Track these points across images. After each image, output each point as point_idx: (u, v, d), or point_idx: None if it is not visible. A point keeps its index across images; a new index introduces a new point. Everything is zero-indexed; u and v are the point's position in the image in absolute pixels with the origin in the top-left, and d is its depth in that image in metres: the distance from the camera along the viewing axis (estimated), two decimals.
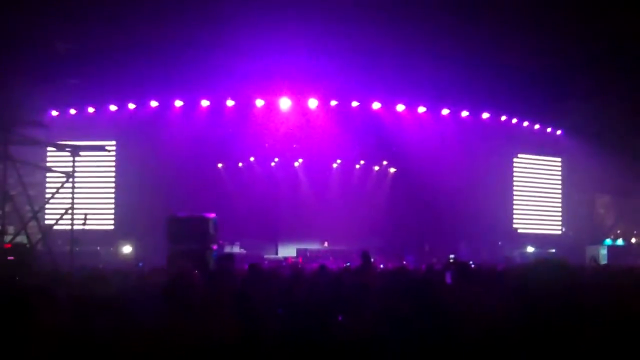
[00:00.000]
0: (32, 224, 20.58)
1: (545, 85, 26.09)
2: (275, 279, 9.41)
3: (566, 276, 3.34)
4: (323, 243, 29.57)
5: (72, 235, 21.32)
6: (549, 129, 32.39)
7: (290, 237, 29.51)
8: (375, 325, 5.19)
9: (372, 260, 14.58)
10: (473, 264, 13.37)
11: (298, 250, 28.02)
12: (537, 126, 31.86)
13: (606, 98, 26.01)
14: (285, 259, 25.29)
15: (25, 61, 21.33)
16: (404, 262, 22.62)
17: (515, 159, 32.27)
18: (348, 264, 19.86)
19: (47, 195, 23.79)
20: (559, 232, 33.31)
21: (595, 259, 23.49)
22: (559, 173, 33.40)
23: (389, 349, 4.75)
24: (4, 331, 4.37)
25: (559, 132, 32.52)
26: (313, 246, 29.01)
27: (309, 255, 27.18)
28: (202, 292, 5.62)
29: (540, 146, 32.42)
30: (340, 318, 6.00)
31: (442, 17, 21.99)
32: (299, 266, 17.01)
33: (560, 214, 33.54)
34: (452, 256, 22.91)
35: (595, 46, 23.42)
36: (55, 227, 21.79)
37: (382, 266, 18.78)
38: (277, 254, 29.06)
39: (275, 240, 29.86)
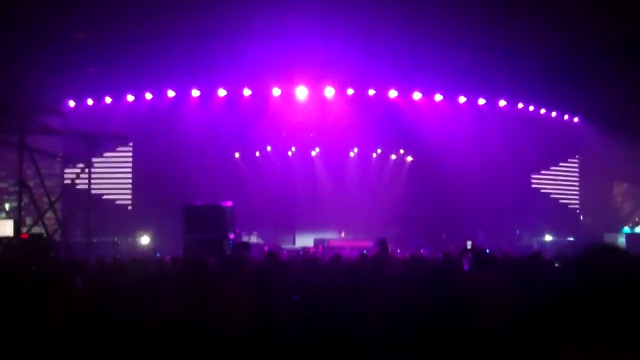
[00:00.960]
0: (49, 214, 20.73)
1: (562, 72, 25.88)
2: (292, 266, 9.42)
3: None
4: (340, 233, 29.56)
5: (89, 226, 21.45)
6: (566, 117, 32.20)
7: (308, 226, 29.54)
8: (391, 313, 5.17)
9: (389, 248, 14.58)
10: (489, 251, 13.29)
11: (316, 240, 28.01)
12: (554, 114, 31.67)
13: (624, 85, 25.79)
14: (304, 249, 25.21)
15: (42, 50, 21.40)
16: (422, 251, 22.58)
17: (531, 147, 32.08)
18: (365, 251, 19.86)
19: (65, 185, 23.96)
20: (578, 220, 33.13)
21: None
22: (577, 160, 33.20)
23: (405, 336, 4.73)
24: (20, 320, 4.38)
25: (576, 119, 32.33)
26: (331, 235, 29.00)
27: (327, 245, 27.13)
28: (217, 278, 5.62)
29: (557, 134, 32.19)
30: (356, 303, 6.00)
31: (458, 4, 21.85)
32: (317, 255, 17.05)
33: (578, 201, 33.36)
34: (469, 243, 22.79)
35: (614, 33, 23.21)
36: (73, 217, 21.93)
37: (399, 254, 18.75)
38: (294, 243, 29.08)
39: (292, 229, 29.90)
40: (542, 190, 32.64)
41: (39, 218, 20.08)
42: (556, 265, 9.31)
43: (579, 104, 29.94)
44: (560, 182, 33.03)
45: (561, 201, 32.98)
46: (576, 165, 33.23)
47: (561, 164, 33.05)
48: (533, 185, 32.40)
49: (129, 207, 28.99)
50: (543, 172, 32.65)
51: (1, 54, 20.67)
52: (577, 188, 33.21)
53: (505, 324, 4.92)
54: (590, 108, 29.48)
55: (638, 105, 27.17)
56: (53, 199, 21.23)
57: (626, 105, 27.26)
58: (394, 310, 5.24)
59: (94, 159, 22.50)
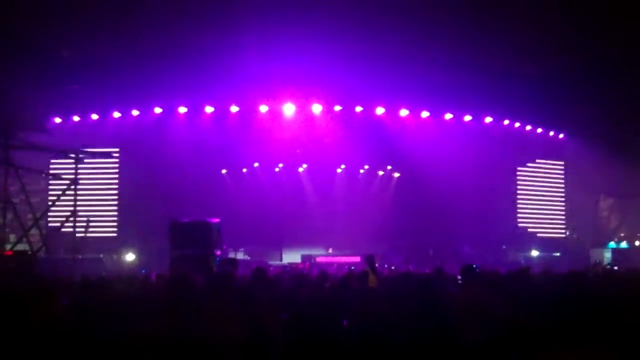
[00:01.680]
0: (34, 231, 20.59)
1: (547, 89, 26.08)
2: (279, 283, 9.36)
3: None
4: (328, 249, 29.48)
5: (75, 243, 21.31)
6: (551, 133, 32.35)
7: (295, 243, 29.41)
8: (379, 329, 5.13)
9: (376, 265, 14.54)
10: (477, 267, 13.28)
11: (303, 257, 27.91)
12: (539, 130, 31.80)
13: (608, 101, 25.96)
14: (291, 265, 25.10)
15: (27, 67, 21.32)
16: (409, 267, 22.54)
17: (520, 168, 32.21)
18: (352, 267, 19.79)
19: (50, 202, 23.82)
20: (563, 235, 33.21)
21: (600, 263, 23.40)
22: (562, 176, 33.31)
23: (393, 352, 4.69)
24: (5, 336, 4.33)
25: (561, 135, 32.48)
26: (318, 252, 28.90)
27: (314, 262, 27.03)
28: (203, 295, 5.58)
29: (543, 150, 32.36)
30: (345, 322, 5.96)
31: (444, 22, 21.98)
32: (304, 272, 16.97)
33: (564, 216, 33.44)
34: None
35: (597, 49, 23.39)
36: (58, 234, 21.78)
37: (387, 272, 18.70)
38: (281, 260, 28.97)
39: (279, 246, 29.76)
40: (528, 205, 32.67)
41: (23, 235, 19.94)
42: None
43: (564, 120, 30.09)
44: (546, 195, 33.07)
45: (547, 216, 33.02)
46: (562, 181, 33.30)
47: (547, 179, 33.10)
48: (519, 199, 32.40)
49: (115, 224, 28.81)
50: (529, 186, 32.67)
51: None
52: (563, 202, 33.27)
53: (494, 336, 4.90)
54: (576, 124, 29.64)
55: (622, 121, 27.37)
56: (38, 215, 21.08)
57: (611, 121, 27.44)
58: (383, 326, 5.20)
59: (79, 176, 22.34)
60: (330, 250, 29.36)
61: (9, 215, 20.49)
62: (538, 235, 31.95)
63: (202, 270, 12.60)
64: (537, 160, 32.60)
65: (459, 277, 9.12)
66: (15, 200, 20.46)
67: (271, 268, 21.19)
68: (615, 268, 20.99)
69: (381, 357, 4.74)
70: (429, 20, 21.72)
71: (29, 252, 19.24)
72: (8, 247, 19.62)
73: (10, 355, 4.37)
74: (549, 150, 32.64)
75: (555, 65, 24.92)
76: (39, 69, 22.07)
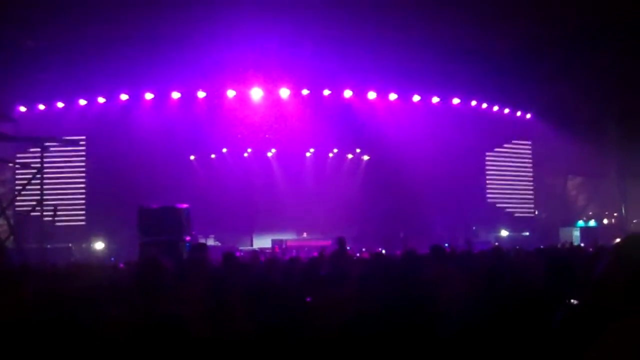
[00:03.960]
0: (1, 221, 20.36)
1: (513, 69, 26.19)
2: (249, 268, 9.34)
3: None
4: (302, 234, 29.49)
5: (42, 231, 21.10)
6: (518, 113, 32.57)
7: (266, 228, 29.38)
8: (350, 309, 5.12)
9: (347, 247, 14.57)
10: (449, 246, 13.38)
11: (273, 241, 27.89)
12: (506, 110, 31.99)
13: (574, 80, 26.17)
14: (261, 250, 25.05)
15: None
16: (380, 249, 22.61)
17: (486, 144, 32.39)
18: (324, 249, 19.81)
19: (16, 192, 23.56)
20: (532, 215, 33.53)
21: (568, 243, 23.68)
22: (530, 156, 33.59)
23: (363, 333, 4.68)
24: None
25: (528, 115, 32.71)
26: (289, 236, 28.91)
27: (285, 246, 27.03)
28: (173, 281, 5.54)
29: (511, 130, 32.59)
30: (308, 299, 5.95)
31: (409, 4, 21.97)
32: (275, 256, 16.96)
33: (532, 196, 33.75)
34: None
35: (562, 27, 23.54)
36: (25, 224, 21.55)
37: (358, 255, 18.74)
38: (252, 245, 28.93)
39: (250, 231, 29.70)
40: (497, 182, 32.93)
41: None
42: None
43: (531, 101, 30.32)
44: (514, 176, 33.36)
45: (516, 196, 33.32)
46: (530, 160, 33.59)
47: (515, 159, 33.38)
48: (488, 181, 32.65)
49: (83, 212, 28.58)
50: (497, 166, 32.92)
51: None
52: (531, 182, 33.57)
53: (468, 316, 4.91)
54: (543, 104, 29.88)
55: (589, 101, 27.61)
56: (4, 205, 20.82)
57: (578, 100, 27.67)
58: (353, 306, 5.20)
59: (46, 164, 22.08)
60: (305, 235, 29.37)
61: None
62: (507, 215, 32.23)
63: (173, 257, 12.52)
64: (505, 141, 32.85)
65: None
66: None
67: (238, 253, 21.17)
68: (582, 245, 21.27)
69: (349, 336, 4.73)
70: (395, 1, 21.71)
71: None
72: None
73: None
74: (517, 131, 32.87)
75: (522, 44, 25.03)
76: (3, 57, 21.77)
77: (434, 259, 8.27)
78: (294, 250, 24.28)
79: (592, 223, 31.67)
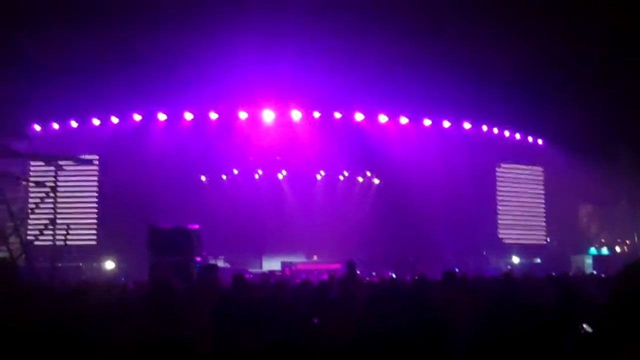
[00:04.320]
0: (14, 239, 20.41)
1: (525, 95, 26.18)
2: (259, 290, 9.33)
3: None
4: (311, 256, 29.37)
5: (54, 251, 21.14)
6: (530, 139, 32.50)
7: (275, 250, 29.31)
8: (356, 330, 5.11)
9: (357, 270, 14.53)
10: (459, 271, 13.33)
11: (283, 264, 27.80)
12: (518, 136, 31.94)
13: (587, 107, 26.12)
14: (271, 272, 24.96)
15: (6, 73, 21.19)
16: (391, 273, 22.53)
17: (497, 169, 32.26)
18: (334, 272, 19.74)
19: (29, 210, 23.65)
20: (544, 242, 33.33)
21: (580, 269, 23.53)
22: (542, 182, 33.44)
23: (368, 354, 4.66)
24: None
25: (540, 141, 32.62)
26: (298, 259, 28.82)
27: (294, 269, 26.92)
28: (184, 301, 5.54)
29: (522, 156, 32.49)
30: (315, 320, 5.94)
31: (422, 29, 22.05)
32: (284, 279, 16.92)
33: (544, 223, 33.56)
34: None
35: (576, 56, 23.55)
36: (37, 242, 21.59)
37: (367, 279, 18.68)
38: (261, 267, 28.85)
39: (260, 253, 29.65)
40: (508, 212, 32.77)
41: (2, 242, 19.76)
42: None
43: (543, 126, 30.25)
44: (526, 203, 33.21)
45: (528, 222, 33.13)
46: (542, 187, 33.45)
47: (526, 185, 33.23)
48: (499, 208, 32.51)
49: (95, 232, 28.61)
50: (508, 193, 32.76)
51: None
52: (543, 209, 33.41)
53: (477, 342, 4.89)
54: (555, 130, 29.79)
55: (602, 128, 27.52)
56: (17, 222, 20.90)
57: (590, 127, 27.58)
58: (360, 327, 5.18)
59: (59, 183, 22.18)
60: (315, 257, 29.26)
61: None
62: (518, 241, 32.06)
63: (183, 277, 12.52)
64: (517, 167, 32.75)
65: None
66: None
67: (251, 276, 21.14)
68: (595, 273, 21.13)
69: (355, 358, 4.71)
70: (408, 26, 21.80)
71: (9, 260, 19.06)
72: None
73: None
74: (528, 157, 32.77)
75: (535, 71, 25.03)
76: (18, 75, 21.94)
77: (444, 285, 8.25)
78: (304, 274, 24.21)
79: (604, 251, 31.46)
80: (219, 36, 21.84)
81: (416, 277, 11.41)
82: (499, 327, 5.25)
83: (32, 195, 26.19)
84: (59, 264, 21.97)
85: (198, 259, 17.67)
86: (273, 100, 27.29)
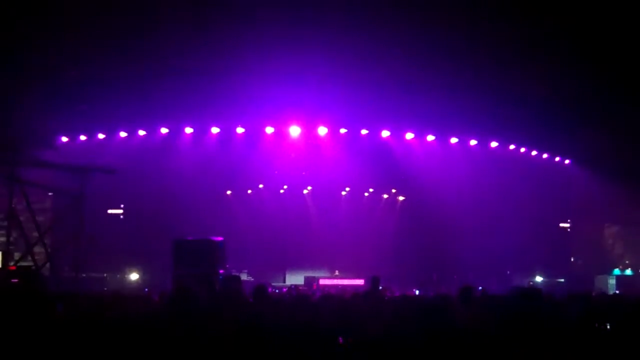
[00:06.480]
0: (39, 248, 20.59)
1: (553, 114, 26.03)
2: (281, 302, 9.34)
3: None
4: (334, 272, 29.35)
5: (79, 260, 21.29)
6: (557, 158, 32.30)
7: (299, 264, 29.38)
8: (381, 349, 5.12)
9: (381, 287, 14.51)
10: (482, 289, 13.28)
11: (306, 278, 27.81)
12: (545, 155, 31.76)
13: (615, 127, 25.96)
14: (295, 287, 24.98)
15: (36, 85, 21.41)
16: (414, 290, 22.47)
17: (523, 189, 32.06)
18: (358, 285, 19.71)
19: (54, 220, 23.84)
20: (568, 261, 33.08)
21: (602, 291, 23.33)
22: (567, 202, 33.19)
23: None
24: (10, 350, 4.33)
25: (567, 161, 32.41)
26: (322, 274, 28.81)
27: (318, 284, 26.90)
28: (207, 310, 5.57)
29: (549, 175, 32.23)
30: (340, 340, 5.93)
31: (450, 47, 22.03)
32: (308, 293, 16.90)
33: (568, 242, 33.31)
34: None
35: (603, 75, 23.42)
36: (62, 252, 21.75)
37: (390, 295, 18.63)
38: (284, 282, 28.89)
39: (283, 268, 29.72)
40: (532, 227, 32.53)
41: (27, 251, 19.95)
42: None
43: (570, 147, 30.07)
44: (552, 223, 32.95)
45: (552, 242, 32.84)
46: (567, 207, 33.20)
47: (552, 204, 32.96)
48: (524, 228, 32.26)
49: (119, 243, 28.76)
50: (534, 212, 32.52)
51: None
52: (568, 230, 33.18)
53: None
54: (581, 150, 29.62)
55: (629, 149, 27.33)
56: (43, 232, 21.10)
57: (617, 148, 27.40)
58: (386, 344, 5.19)
59: (85, 194, 22.35)
60: (337, 273, 29.25)
61: (14, 233, 20.53)
62: (542, 260, 31.80)
63: (206, 289, 12.56)
64: (542, 186, 32.51)
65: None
66: (21, 218, 20.49)
67: (270, 289, 21.14)
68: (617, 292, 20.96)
69: None
70: (434, 43, 21.78)
71: (33, 268, 19.25)
72: (12, 263, 19.62)
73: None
74: (555, 176, 32.53)
75: (562, 91, 24.91)
76: (47, 86, 22.16)
77: (461, 301, 8.23)
78: (329, 289, 24.20)
79: (628, 272, 31.18)
80: (247, 51, 21.94)
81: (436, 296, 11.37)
82: (518, 344, 5.24)
83: (57, 205, 26.41)
84: (83, 274, 22.11)
85: (221, 271, 17.70)
86: (300, 115, 27.33)
